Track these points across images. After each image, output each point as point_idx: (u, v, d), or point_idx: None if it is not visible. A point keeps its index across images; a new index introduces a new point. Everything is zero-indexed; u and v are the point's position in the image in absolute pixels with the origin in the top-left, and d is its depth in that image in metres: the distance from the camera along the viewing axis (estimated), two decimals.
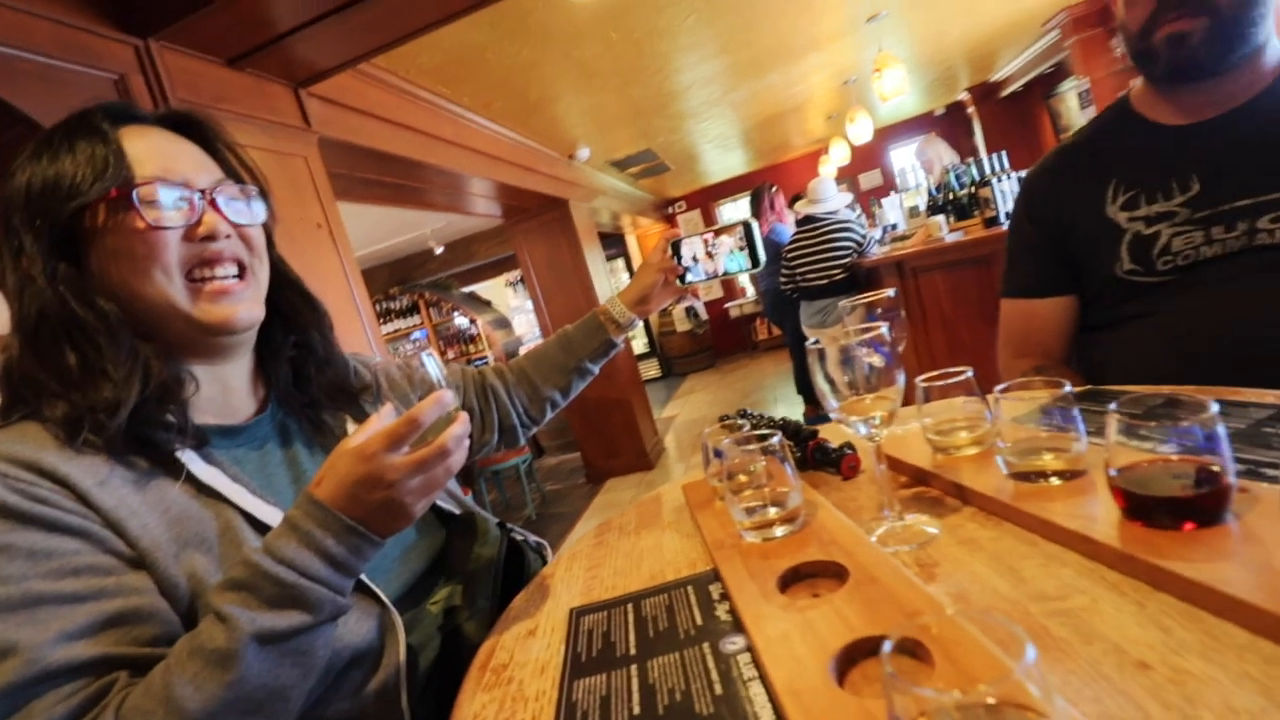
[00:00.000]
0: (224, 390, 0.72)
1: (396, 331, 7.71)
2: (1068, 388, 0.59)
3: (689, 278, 1.06)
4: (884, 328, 0.59)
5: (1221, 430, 0.46)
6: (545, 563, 0.91)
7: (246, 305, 0.69)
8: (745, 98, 4.45)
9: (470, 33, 2.46)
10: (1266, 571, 0.40)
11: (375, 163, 2.63)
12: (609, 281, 4.81)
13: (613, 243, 8.26)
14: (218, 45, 1.78)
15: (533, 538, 0.93)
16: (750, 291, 8.25)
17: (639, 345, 8.44)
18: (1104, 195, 0.98)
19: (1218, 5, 0.87)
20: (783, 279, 3.72)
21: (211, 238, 0.66)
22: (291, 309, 0.79)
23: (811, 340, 0.61)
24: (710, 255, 1.04)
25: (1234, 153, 0.90)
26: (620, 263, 8.43)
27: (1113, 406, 0.50)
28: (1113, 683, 0.38)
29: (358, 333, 2.04)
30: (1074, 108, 5.59)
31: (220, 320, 0.66)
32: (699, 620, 0.57)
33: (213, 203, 0.66)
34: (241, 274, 0.69)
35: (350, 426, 0.81)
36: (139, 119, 0.68)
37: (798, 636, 0.48)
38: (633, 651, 0.55)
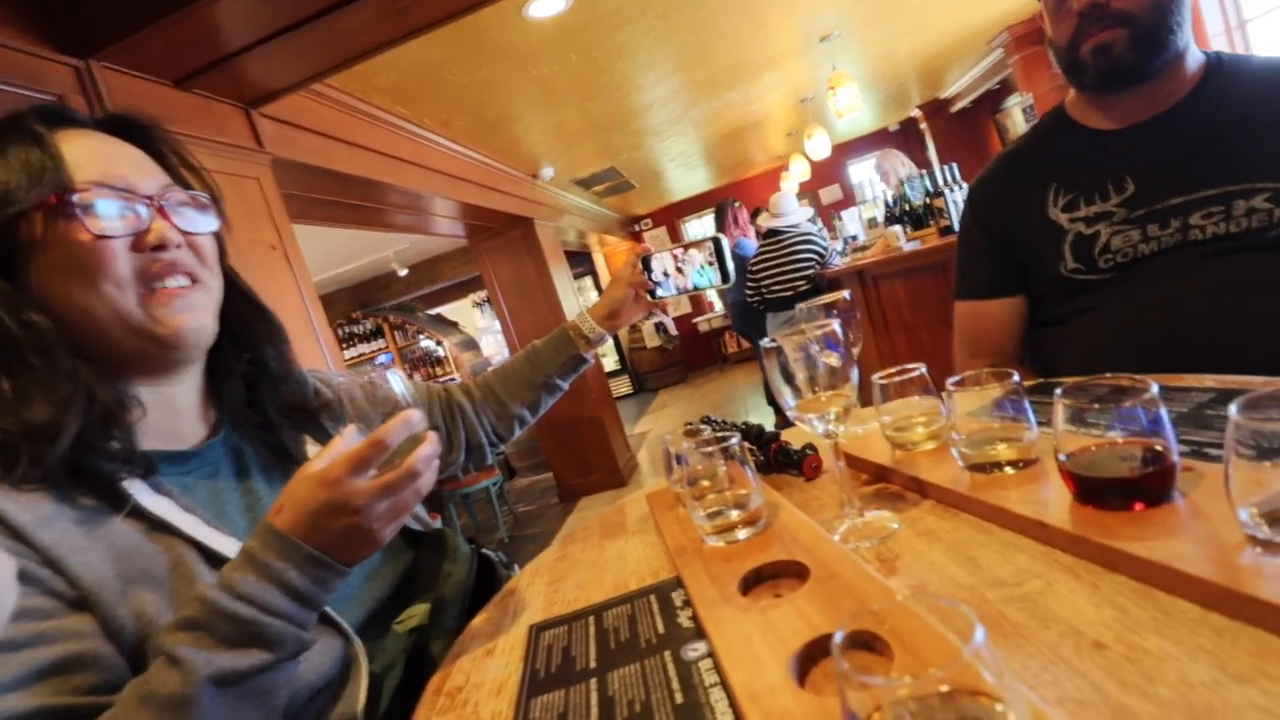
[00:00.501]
0: (172, 413, 0.67)
1: (360, 356, 7.56)
2: (1016, 378, 0.59)
3: (659, 293, 1.05)
4: (836, 323, 0.59)
5: (1164, 412, 0.47)
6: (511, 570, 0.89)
7: (200, 315, 0.65)
8: (705, 115, 4.52)
9: (427, 52, 2.45)
10: (1214, 545, 0.41)
11: (333, 183, 2.58)
12: (577, 300, 4.80)
13: (580, 261, 8.26)
14: (163, 65, 1.74)
15: (502, 554, 0.91)
16: (718, 306, 8.32)
17: (610, 362, 8.42)
18: (1045, 198, 1.02)
19: (1135, 16, 0.92)
20: (748, 291, 3.76)
21: (161, 247, 0.61)
22: (244, 324, 0.74)
23: (767, 340, 0.61)
24: (680, 270, 1.03)
25: (1164, 154, 0.94)
26: (588, 281, 8.43)
27: (1059, 393, 0.50)
28: (1071, 664, 0.37)
29: (316, 357, 1.98)
30: (1019, 122, 5.81)
31: (177, 329, 0.62)
32: (661, 628, 0.55)
33: (161, 210, 0.62)
34: (193, 286, 0.65)
35: (310, 448, 0.77)
36: (76, 122, 0.64)
37: (758, 637, 0.46)
38: (593, 665, 0.53)
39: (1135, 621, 0.39)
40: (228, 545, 0.60)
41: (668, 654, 0.51)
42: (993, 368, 1.04)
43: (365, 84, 2.53)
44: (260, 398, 0.75)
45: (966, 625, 0.27)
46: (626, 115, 4.00)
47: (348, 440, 0.57)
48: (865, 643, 0.41)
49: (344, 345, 7.59)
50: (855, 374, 0.60)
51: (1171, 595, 0.40)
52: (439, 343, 7.54)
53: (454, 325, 7.90)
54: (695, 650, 0.50)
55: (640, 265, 1.05)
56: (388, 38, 1.89)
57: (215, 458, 0.70)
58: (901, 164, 4.52)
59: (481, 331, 8.52)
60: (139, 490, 0.58)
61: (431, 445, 0.58)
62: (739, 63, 3.70)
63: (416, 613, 0.74)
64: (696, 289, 1.03)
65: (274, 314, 0.78)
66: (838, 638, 0.29)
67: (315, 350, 1.99)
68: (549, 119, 3.62)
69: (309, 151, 2.30)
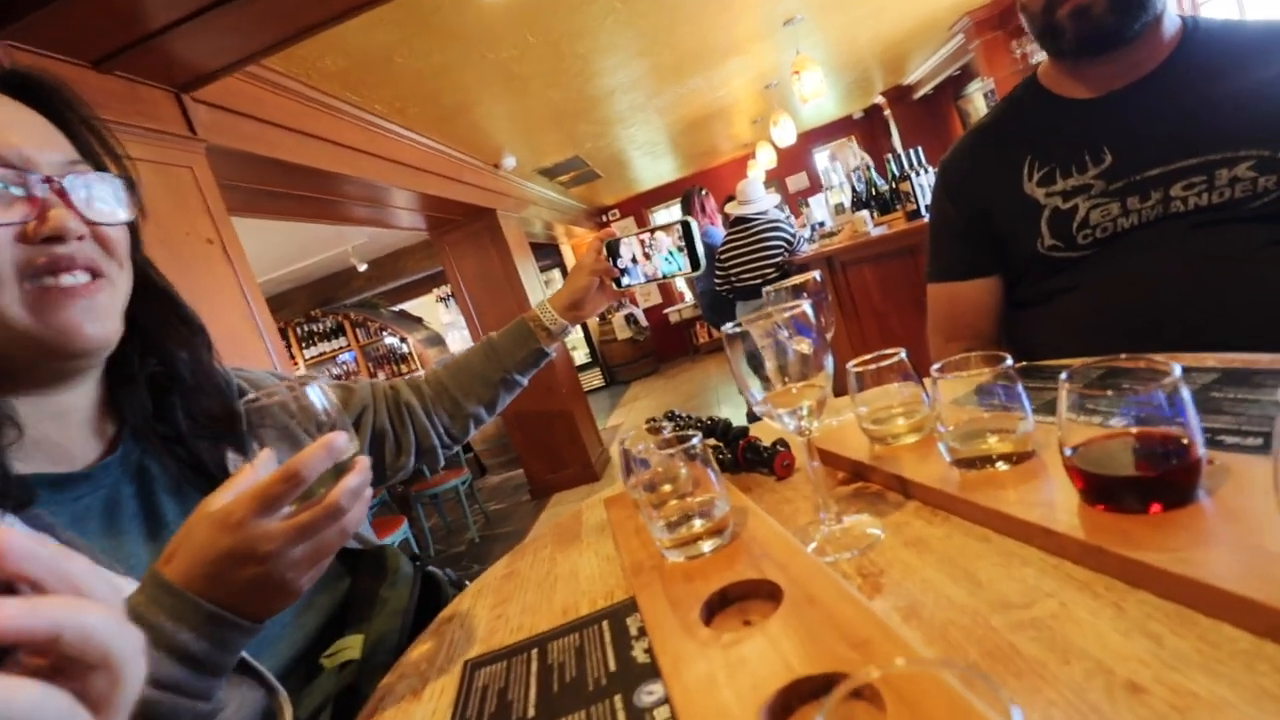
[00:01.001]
0: (60, 428, 0.57)
1: (321, 355, 7.31)
2: (1009, 361, 0.53)
3: (626, 281, 0.97)
4: (807, 305, 0.52)
5: (1186, 395, 0.40)
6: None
7: (102, 317, 0.54)
8: (670, 102, 4.43)
9: (374, 34, 2.32)
10: (1258, 556, 0.34)
11: (278, 174, 2.44)
12: (544, 293, 4.69)
13: (547, 253, 8.12)
14: (79, 45, 1.59)
15: (450, 571, 0.82)
16: (689, 296, 8.26)
17: (580, 355, 8.31)
18: (1020, 173, 0.96)
19: None
20: (717, 280, 3.69)
21: (58, 238, 0.51)
22: (157, 324, 0.64)
23: (730, 325, 0.53)
24: (648, 256, 0.96)
25: (1142, 123, 0.89)
26: (556, 273, 8.30)
27: (1064, 377, 0.43)
28: (1102, 714, 0.30)
29: (260, 356, 1.86)
30: (981, 107, 5.85)
31: (70, 334, 0.52)
32: (612, 665, 0.47)
33: (61, 192, 0.52)
34: (96, 283, 0.54)
35: (233, 462, 0.67)
36: None
37: (724, 680, 0.39)
38: (531, 713, 0.45)
39: (1175, 655, 0.32)
40: (124, 588, 0.49)
41: (619, 699, 0.43)
42: (973, 352, 0.99)
43: (309, 68, 2.39)
44: (170, 406, 0.64)
45: (998, 703, 0.19)
46: (589, 102, 3.89)
47: (258, 470, 0.46)
48: (856, 691, 0.34)
49: (304, 345, 7.33)
50: (829, 362, 0.53)
51: (1214, 620, 0.33)
52: (403, 340, 7.34)
53: (418, 321, 7.70)
54: (650, 694, 0.42)
55: (605, 251, 0.97)
56: (327, 15, 1.76)
57: (112, 479, 0.59)
58: (853, 155, 4.51)
59: (447, 327, 8.33)
60: (12, 525, 0.48)
61: (359, 475, 0.49)
62: (702, 47, 3.62)
63: (348, 645, 0.65)
64: (665, 276, 0.96)
65: (194, 314, 0.68)
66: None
67: (260, 349, 1.86)
68: (509, 106, 3.49)
69: (249, 139, 2.15)
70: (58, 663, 0.28)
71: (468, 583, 0.82)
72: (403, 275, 7.03)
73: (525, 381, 0.99)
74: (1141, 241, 0.89)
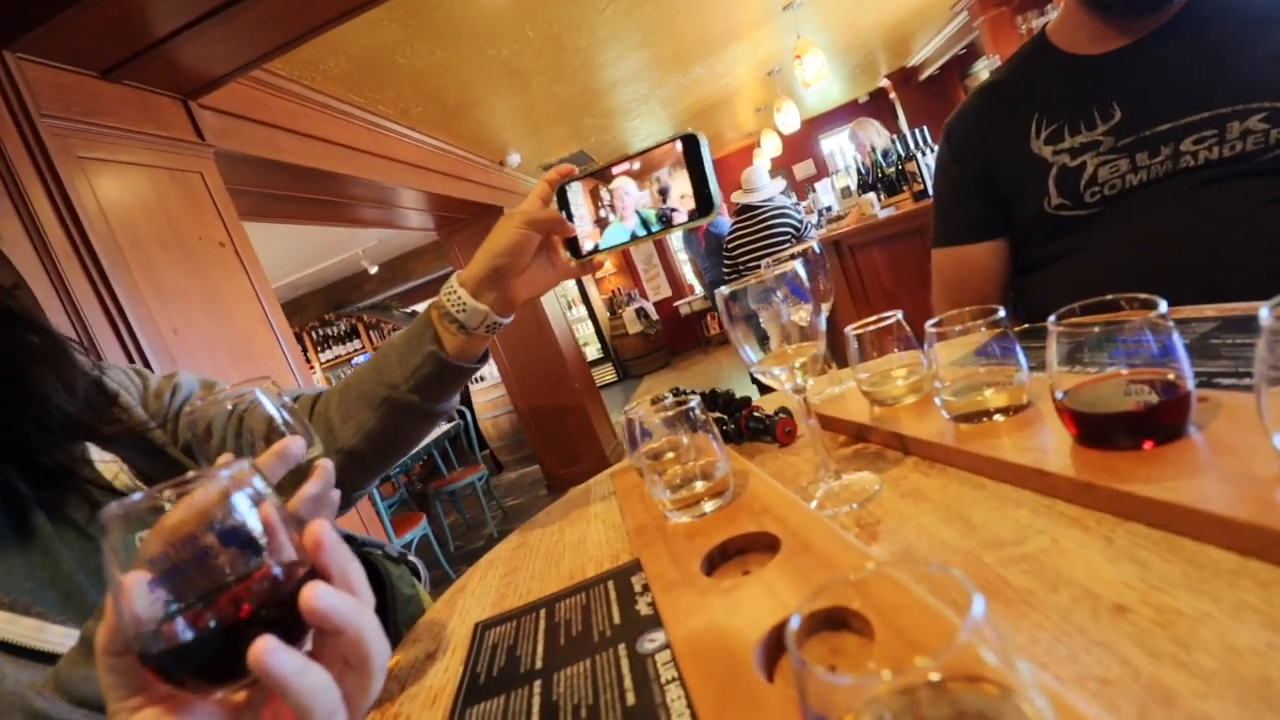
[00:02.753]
0: None
1: (337, 358, 7.40)
2: (1001, 313, 0.53)
3: (588, 246, 0.67)
4: (798, 263, 0.52)
5: (1175, 333, 0.41)
6: (417, 573, 0.78)
7: None
8: (673, 92, 4.42)
9: (377, 34, 2.34)
10: (1246, 481, 0.34)
11: (286, 177, 2.47)
12: (554, 291, 4.70)
13: None
14: (87, 55, 1.62)
15: (392, 546, 0.76)
16: (699, 288, 8.25)
17: (593, 351, 8.33)
18: (1027, 130, 0.95)
19: None
20: (725, 269, 3.69)
21: None
22: None
23: (723, 288, 0.53)
24: (618, 205, 0.66)
25: (1151, 78, 0.88)
26: None
27: (1052, 320, 0.44)
28: (1089, 634, 0.31)
29: (277, 358, 1.89)
30: None
31: None
32: (617, 619, 0.48)
33: None
34: None
35: (94, 454, 0.58)
36: None
37: (722, 622, 0.40)
38: (538, 665, 0.46)
39: (1161, 578, 0.33)
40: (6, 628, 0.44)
41: (622, 647, 0.44)
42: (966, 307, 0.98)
43: (313, 71, 2.42)
44: (16, 417, 0.55)
45: (961, 595, 0.20)
46: (592, 95, 3.90)
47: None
48: (841, 621, 0.35)
49: (319, 348, 7.42)
50: (823, 320, 0.54)
51: (1201, 543, 0.34)
52: None
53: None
54: (653, 641, 0.43)
55: (555, 199, 0.68)
56: (328, 16, 1.78)
57: None
58: (877, 133, 4.46)
59: None
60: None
61: (320, 482, 0.45)
62: (703, 35, 3.61)
63: None
64: (657, 230, 0.64)
65: (40, 321, 0.59)
66: (793, 623, 0.23)
67: (275, 350, 1.89)
68: (513, 102, 3.51)
69: (256, 143, 2.18)
70: (330, 654, 0.31)
71: (413, 559, 0.80)
72: (413, 277, 7.09)
73: (437, 408, 0.69)
74: (1150, 199, 0.88)
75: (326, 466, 0.48)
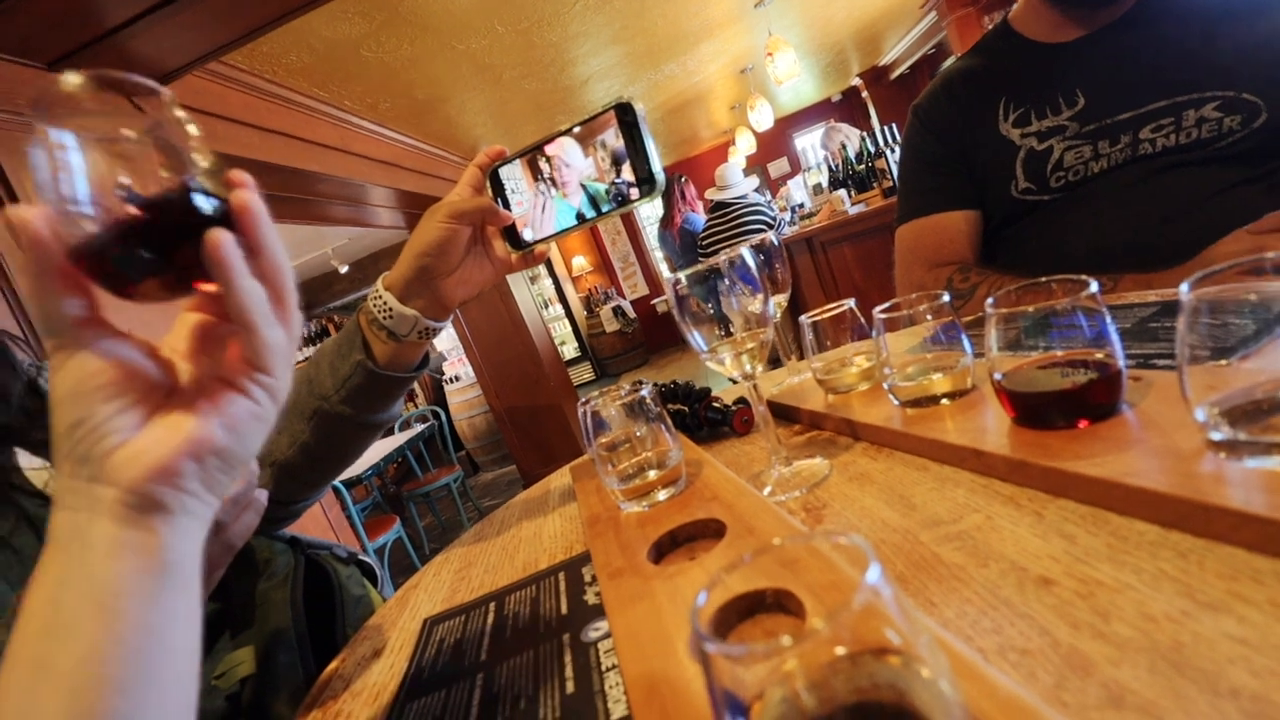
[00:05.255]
0: None
1: (306, 360, 7.27)
2: (945, 297, 0.53)
3: (528, 235, 0.61)
4: (745, 248, 0.52)
5: (1107, 314, 0.41)
6: (366, 573, 0.76)
7: None
8: (646, 89, 4.42)
9: (339, 27, 2.30)
10: (1170, 456, 0.35)
11: (249, 173, 2.41)
12: (528, 288, 4.67)
13: None
14: (32, 47, 1.57)
15: (341, 546, 0.75)
16: None
17: (569, 350, 8.30)
18: (996, 113, 0.97)
19: None
20: None
21: None
22: None
23: (671, 275, 0.53)
24: (559, 182, 0.61)
25: (1114, 66, 0.90)
26: (542, 269, 8.27)
27: (989, 302, 0.44)
28: (1013, 607, 0.31)
29: None
30: None
31: None
32: (564, 609, 0.48)
33: None
34: None
35: (23, 460, 0.55)
36: None
37: (664, 607, 0.39)
38: (483, 657, 0.45)
39: (1086, 551, 0.33)
40: None
41: (565, 637, 0.44)
42: (961, 271, 0.97)
43: (275, 64, 2.37)
44: None
45: (861, 561, 0.20)
46: (565, 92, 3.88)
47: None
48: (778, 604, 0.35)
49: None
50: (772, 306, 0.54)
51: (1126, 517, 0.34)
52: None
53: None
54: (597, 630, 0.43)
55: (488, 185, 0.63)
56: (287, 8, 1.74)
57: None
58: (847, 137, 4.50)
59: None
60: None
61: (238, 485, 0.45)
62: (676, 32, 3.61)
63: (238, 661, 0.57)
64: (600, 214, 0.59)
65: None
66: (700, 599, 0.22)
67: None
68: (483, 98, 3.47)
69: (216, 139, 2.13)
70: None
71: (367, 559, 0.78)
72: None
73: (372, 419, 0.64)
74: (1110, 185, 0.90)
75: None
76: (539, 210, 0.62)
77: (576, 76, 3.68)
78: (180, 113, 0.32)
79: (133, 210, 0.29)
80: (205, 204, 0.31)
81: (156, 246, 0.30)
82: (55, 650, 0.28)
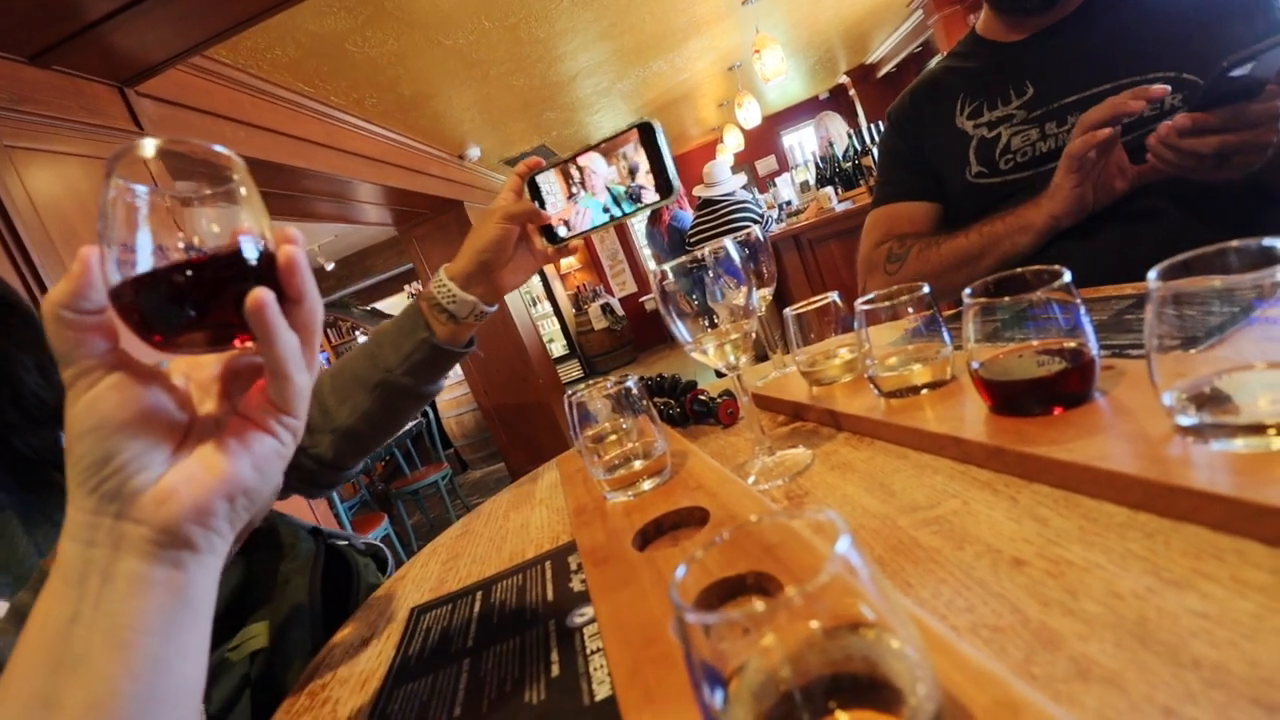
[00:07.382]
0: None
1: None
2: (925, 289, 0.54)
3: (562, 232, 0.71)
4: (728, 241, 0.53)
5: (1080, 304, 0.42)
6: (384, 567, 0.78)
7: None
8: (635, 86, 4.42)
9: (324, 21, 2.28)
10: (1139, 441, 0.36)
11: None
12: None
13: None
14: (12, 39, 1.54)
15: (362, 539, 0.78)
16: None
17: (558, 347, 8.29)
18: (954, 110, 1.04)
19: None
20: None
21: None
22: None
23: (655, 266, 0.54)
24: (589, 189, 0.70)
25: (1062, 58, 0.96)
26: None
27: (967, 293, 0.45)
28: (987, 586, 0.32)
29: None
30: None
31: None
32: (550, 596, 0.48)
33: None
34: None
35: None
36: None
37: (650, 591, 0.40)
38: (469, 644, 0.46)
39: (1058, 533, 0.34)
40: None
41: (551, 623, 0.44)
42: (901, 241, 1.04)
43: (260, 59, 2.34)
44: None
45: (833, 533, 0.21)
46: (553, 88, 3.87)
47: None
48: (759, 586, 0.35)
49: None
50: (755, 298, 0.54)
51: (1097, 500, 0.35)
52: None
53: (391, 319, 7.63)
54: (582, 616, 0.44)
55: (527, 191, 0.72)
56: (271, 1, 1.72)
57: None
58: (837, 128, 4.54)
59: None
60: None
61: None
62: (664, 29, 3.61)
63: (253, 634, 0.59)
64: (621, 215, 0.68)
65: (16, 299, 0.57)
66: (680, 572, 0.23)
67: None
68: (470, 94, 3.45)
69: (199, 133, 2.11)
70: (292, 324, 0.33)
71: (379, 544, 0.82)
72: (372, 274, 6.94)
73: (424, 389, 0.74)
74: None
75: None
76: (572, 211, 0.72)
77: (564, 72, 3.68)
78: (245, 179, 0.33)
79: (184, 262, 0.30)
80: (253, 258, 0.32)
81: (201, 300, 0.31)
82: (66, 686, 0.28)
